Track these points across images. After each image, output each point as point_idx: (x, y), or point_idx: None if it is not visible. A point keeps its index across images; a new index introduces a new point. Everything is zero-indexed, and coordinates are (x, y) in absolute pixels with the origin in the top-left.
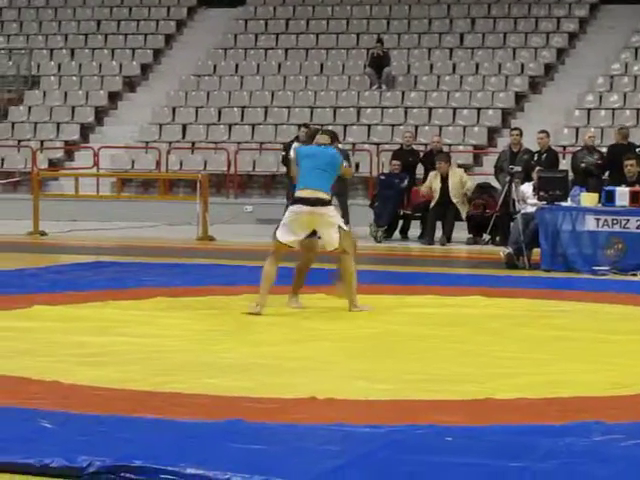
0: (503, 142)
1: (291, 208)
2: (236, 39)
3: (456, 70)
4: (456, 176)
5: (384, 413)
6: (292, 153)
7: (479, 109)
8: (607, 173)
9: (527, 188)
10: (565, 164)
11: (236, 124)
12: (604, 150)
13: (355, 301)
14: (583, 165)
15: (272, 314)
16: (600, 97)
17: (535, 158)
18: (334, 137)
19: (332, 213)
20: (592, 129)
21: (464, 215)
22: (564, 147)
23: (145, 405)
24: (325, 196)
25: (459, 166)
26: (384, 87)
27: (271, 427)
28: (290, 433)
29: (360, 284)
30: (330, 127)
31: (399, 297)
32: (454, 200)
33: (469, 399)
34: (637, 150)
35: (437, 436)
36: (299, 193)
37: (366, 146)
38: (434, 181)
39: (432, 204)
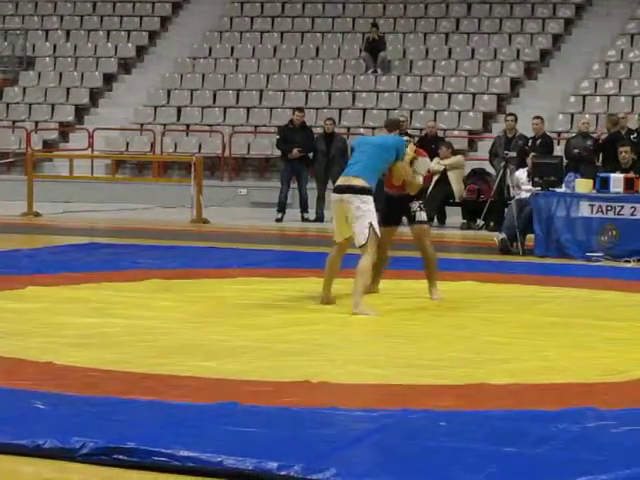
0: (498, 127)
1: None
2: (232, 22)
3: (452, 55)
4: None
5: (378, 397)
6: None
7: (474, 94)
8: (601, 160)
9: (521, 174)
10: (560, 150)
11: (231, 107)
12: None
13: (359, 303)
14: (576, 151)
15: (268, 297)
16: (595, 83)
17: (529, 144)
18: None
19: (362, 204)
20: (587, 115)
21: (457, 197)
22: (559, 133)
23: (139, 387)
24: (358, 182)
25: (456, 152)
26: (379, 71)
27: (265, 410)
28: (284, 416)
29: (353, 269)
30: (325, 111)
31: (393, 282)
32: (452, 183)
33: (463, 384)
34: (632, 137)
35: (430, 421)
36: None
37: (361, 130)
38: (436, 165)
39: (430, 187)
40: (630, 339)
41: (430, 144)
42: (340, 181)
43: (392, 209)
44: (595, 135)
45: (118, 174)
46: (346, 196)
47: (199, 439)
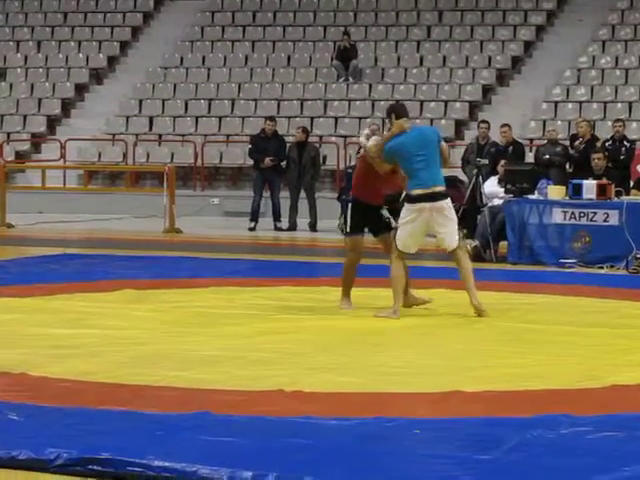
0: (470, 135)
1: (410, 207)
2: (203, 31)
3: (423, 63)
4: None
5: (352, 406)
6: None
7: (446, 102)
8: (572, 167)
9: (493, 182)
10: (532, 157)
11: (203, 116)
12: (568, 143)
13: (478, 300)
14: (546, 157)
15: (241, 306)
16: (567, 90)
17: (501, 151)
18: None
19: (450, 208)
20: (559, 122)
21: None
22: (531, 140)
23: (113, 397)
24: (442, 188)
25: None
26: (351, 80)
27: (239, 419)
28: (258, 426)
29: (328, 277)
30: (297, 120)
31: (366, 290)
32: None
33: (437, 391)
34: (607, 144)
35: (405, 428)
36: (415, 191)
37: (333, 139)
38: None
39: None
40: (604, 345)
41: None
42: (421, 190)
43: (360, 217)
44: (567, 143)
45: (90, 184)
46: (437, 204)
47: (173, 449)
